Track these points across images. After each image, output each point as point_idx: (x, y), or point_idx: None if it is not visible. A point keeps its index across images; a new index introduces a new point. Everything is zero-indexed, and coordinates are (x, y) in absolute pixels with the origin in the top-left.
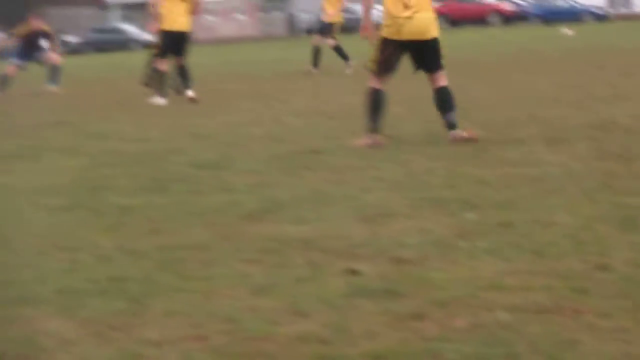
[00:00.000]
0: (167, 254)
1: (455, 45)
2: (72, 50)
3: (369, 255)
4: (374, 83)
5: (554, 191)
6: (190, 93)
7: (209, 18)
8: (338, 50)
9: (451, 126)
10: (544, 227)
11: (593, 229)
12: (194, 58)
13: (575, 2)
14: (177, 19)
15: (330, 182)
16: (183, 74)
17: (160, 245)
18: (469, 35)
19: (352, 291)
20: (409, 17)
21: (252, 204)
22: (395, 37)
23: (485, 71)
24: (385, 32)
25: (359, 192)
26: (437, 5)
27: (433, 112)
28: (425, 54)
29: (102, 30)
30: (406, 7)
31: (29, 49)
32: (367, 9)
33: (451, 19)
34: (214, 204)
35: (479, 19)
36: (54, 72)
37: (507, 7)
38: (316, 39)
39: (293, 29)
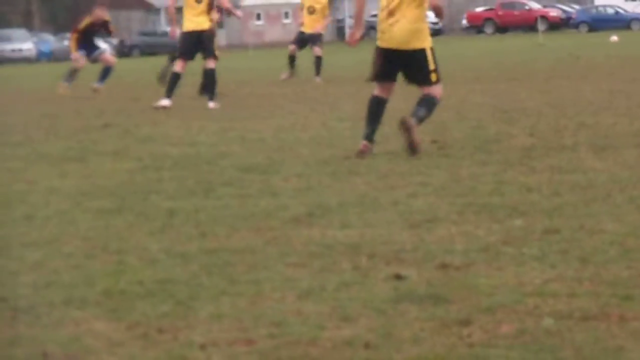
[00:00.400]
0: (213, 257)
1: (502, 51)
2: (119, 53)
3: (415, 261)
4: (375, 90)
5: (601, 198)
6: (211, 104)
7: (257, 23)
8: (292, 60)
9: (415, 116)
10: (590, 234)
11: (639, 236)
12: (242, 62)
13: (622, 9)
14: (191, 19)
15: (376, 187)
16: (209, 80)
17: (206, 249)
18: (515, 41)
19: (398, 296)
20: (391, 25)
21: (299, 208)
22: (380, 44)
23: (532, 77)
24: (377, 39)
25: (406, 197)
26: (484, 11)
27: (480, 118)
28: (411, 66)
29: (149, 34)
30: (390, 14)
31: (87, 41)
32: (359, 11)
33: (498, 25)
34: (261, 208)
35: (525, 25)
36: (105, 72)
37: (554, 13)
38: (317, 50)
39: (341, 34)
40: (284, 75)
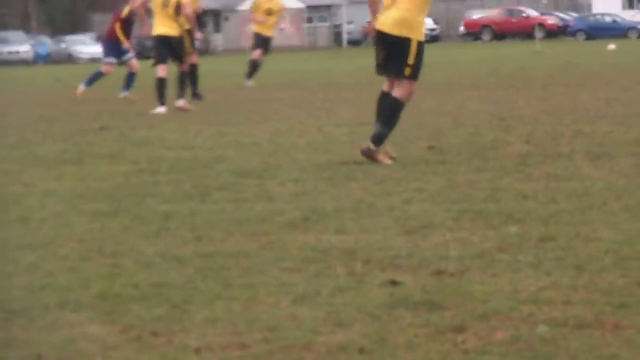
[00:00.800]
0: (208, 261)
1: (500, 58)
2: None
3: (410, 267)
4: (384, 85)
5: (597, 206)
6: (180, 103)
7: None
8: (256, 67)
9: (375, 139)
10: (586, 242)
11: (635, 244)
12: (239, 66)
13: (620, 17)
14: (160, 24)
15: (372, 193)
16: (180, 80)
17: (202, 253)
18: (513, 48)
19: (393, 302)
20: (387, 9)
21: (294, 213)
22: (376, 25)
23: (529, 85)
24: None
25: (401, 203)
26: (481, 19)
27: (477, 124)
28: (392, 53)
29: (148, 37)
30: (393, 1)
31: (127, 31)
32: (374, 5)
33: (496, 32)
34: (256, 213)
35: (523, 32)
36: (129, 78)
37: (552, 21)
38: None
39: (338, 40)
40: (250, 83)
